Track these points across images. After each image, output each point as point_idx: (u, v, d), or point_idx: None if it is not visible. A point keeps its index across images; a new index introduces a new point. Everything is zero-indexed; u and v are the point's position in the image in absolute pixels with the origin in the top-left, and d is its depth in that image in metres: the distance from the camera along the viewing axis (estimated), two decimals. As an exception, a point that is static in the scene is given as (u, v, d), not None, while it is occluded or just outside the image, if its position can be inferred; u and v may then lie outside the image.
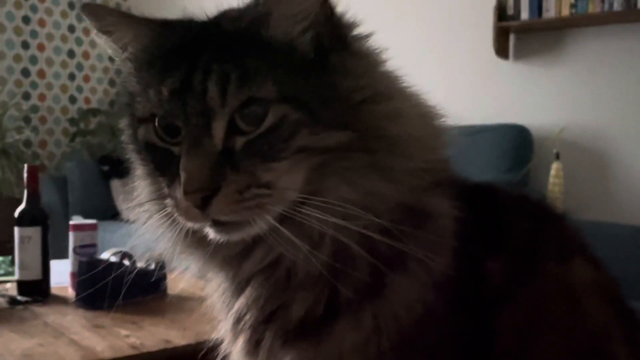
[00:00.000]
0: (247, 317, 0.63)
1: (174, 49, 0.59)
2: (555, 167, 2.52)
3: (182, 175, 0.54)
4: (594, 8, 2.57)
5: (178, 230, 0.60)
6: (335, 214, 0.54)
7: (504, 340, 0.58)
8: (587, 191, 2.66)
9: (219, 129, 0.55)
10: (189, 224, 0.58)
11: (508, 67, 2.92)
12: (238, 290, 0.65)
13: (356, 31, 0.62)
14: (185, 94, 0.55)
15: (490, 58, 2.90)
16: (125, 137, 0.66)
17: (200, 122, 0.55)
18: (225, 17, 0.61)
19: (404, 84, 0.64)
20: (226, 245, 0.60)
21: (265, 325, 0.61)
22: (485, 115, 2.85)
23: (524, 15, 2.75)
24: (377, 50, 0.64)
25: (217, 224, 0.56)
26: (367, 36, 0.63)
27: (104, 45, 0.64)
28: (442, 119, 0.65)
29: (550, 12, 2.68)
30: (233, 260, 0.62)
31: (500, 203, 0.67)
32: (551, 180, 2.51)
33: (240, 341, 0.64)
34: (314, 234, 0.56)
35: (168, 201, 0.58)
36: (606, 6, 2.54)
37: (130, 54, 0.63)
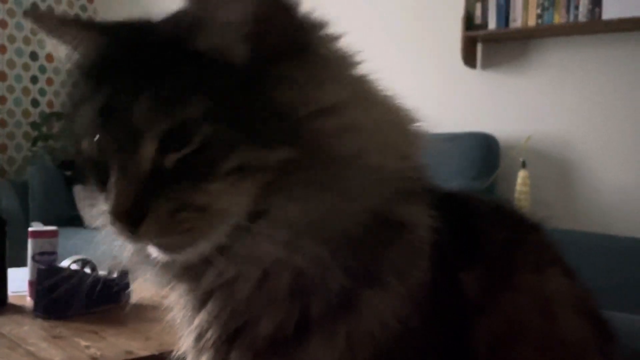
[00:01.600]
0: (209, 334, 0.59)
1: (108, 60, 0.55)
2: (521, 175, 2.54)
3: (110, 197, 0.52)
4: (559, 19, 2.61)
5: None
6: (283, 235, 0.52)
7: (480, 353, 0.57)
8: (553, 199, 2.69)
9: (146, 151, 0.51)
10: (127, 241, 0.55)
11: (476, 76, 2.94)
12: (199, 304, 0.61)
13: (321, 32, 0.57)
14: (111, 114, 0.52)
15: (458, 67, 2.92)
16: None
17: (127, 144, 0.51)
18: (161, 24, 0.56)
19: (374, 89, 0.60)
20: (171, 264, 0.57)
21: (229, 344, 0.58)
22: (452, 123, 2.86)
23: (492, 24, 2.78)
24: (346, 52, 0.59)
25: (156, 244, 0.54)
26: (335, 37, 0.58)
27: (57, 48, 0.60)
28: (416, 124, 0.62)
29: (517, 22, 2.71)
30: (192, 271, 0.58)
31: (476, 212, 0.66)
32: (518, 188, 2.53)
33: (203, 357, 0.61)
34: (264, 255, 0.53)
35: (108, 218, 0.54)
36: (571, 17, 2.58)
37: (74, 61, 0.59)
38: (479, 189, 2.57)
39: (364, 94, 0.59)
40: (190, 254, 0.54)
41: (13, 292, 1.55)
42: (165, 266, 0.58)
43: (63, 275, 1.30)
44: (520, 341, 0.58)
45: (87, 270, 1.41)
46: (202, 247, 0.53)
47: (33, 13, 0.59)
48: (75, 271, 1.34)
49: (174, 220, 0.51)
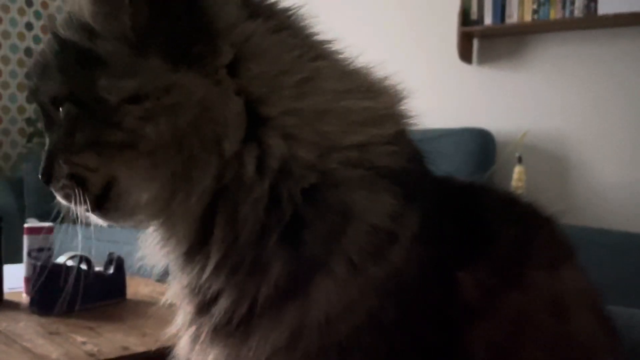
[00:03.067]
0: (188, 308, 0.63)
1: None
2: (517, 170, 2.55)
3: None
4: (555, 14, 2.61)
5: None
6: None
7: (476, 357, 0.55)
8: (549, 195, 2.70)
9: (46, 122, 0.64)
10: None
11: (472, 72, 2.94)
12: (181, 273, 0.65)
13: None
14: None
15: (454, 62, 2.92)
16: None
17: (46, 118, 0.64)
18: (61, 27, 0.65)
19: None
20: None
21: (200, 318, 0.61)
22: (448, 119, 2.86)
23: (487, 20, 2.78)
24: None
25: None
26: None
27: None
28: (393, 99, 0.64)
29: (513, 17, 2.72)
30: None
31: (487, 206, 0.64)
32: (513, 184, 2.54)
33: (186, 334, 0.63)
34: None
35: None
36: (567, 13, 2.59)
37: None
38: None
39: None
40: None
41: (9, 288, 1.55)
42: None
43: (59, 271, 1.29)
44: (528, 342, 0.56)
45: (83, 266, 1.40)
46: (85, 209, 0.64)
47: None
48: (71, 267, 1.34)
49: (59, 186, 0.64)
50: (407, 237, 0.56)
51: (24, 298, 1.52)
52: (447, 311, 0.56)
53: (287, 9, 0.62)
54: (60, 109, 0.60)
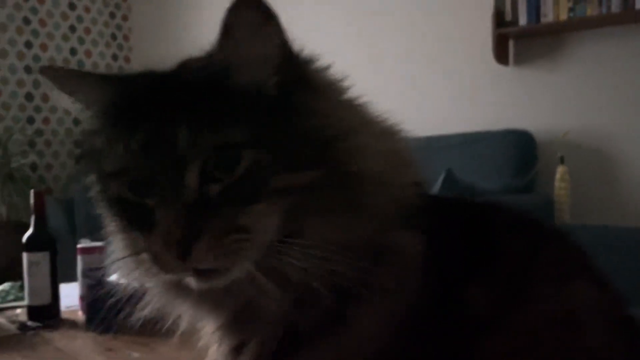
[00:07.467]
0: (223, 344, 0.64)
1: (138, 103, 0.58)
2: (560, 171, 2.51)
3: (161, 227, 0.54)
4: (592, 11, 2.58)
5: (161, 283, 0.61)
6: (317, 256, 0.55)
7: None
8: (594, 194, 2.65)
9: (192, 177, 0.55)
10: (169, 276, 0.58)
11: (509, 73, 2.92)
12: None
13: (314, 65, 0.62)
14: (156, 146, 0.55)
15: (491, 65, 2.90)
16: (94, 193, 0.66)
17: (174, 173, 0.55)
18: (186, 68, 0.60)
19: (367, 112, 0.64)
20: (209, 292, 0.60)
21: (235, 355, 0.62)
22: (487, 122, 2.85)
23: (522, 20, 2.76)
24: (337, 80, 0.63)
25: (197, 273, 0.56)
26: (325, 68, 0.63)
27: (68, 104, 0.63)
28: (408, 150, 0.65)
29: (548, 16, 2.69)
30: (216, 299, 0.62)
31: (494, 223, 0.65)
32: (557, 184, 2.50)
33: None
34: (293, 278, 0.56)
35: (145, 255, 0.58)
36: (604, 9, 2.55)
37: (94, 111, 0.63)
38: (518, 186, 2.55)
39: (367, 120, 0.63)
40: (227, 279, 0.57)
41: (66, 307, 1.61)
42: (201, 297, 0.61)
43: (113, 289, 1.34)
44: (539, 356, 0.56)
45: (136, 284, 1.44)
46: (240, 270, 0.56)
47: (48, 69, 0.62)
48: (124, 286, 1.38)
49: (223, 243, 0.54)
50: (420, 260, 0.59)
51: (80, 316, 1.57)
52: (457, 329, 0.57)
53: None
54: None
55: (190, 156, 0.54)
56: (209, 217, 0.54)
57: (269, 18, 0.55)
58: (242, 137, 0.54)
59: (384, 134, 0.64)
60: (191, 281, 0.57)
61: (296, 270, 0.55)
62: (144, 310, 0.70)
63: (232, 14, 0.54)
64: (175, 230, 0.53)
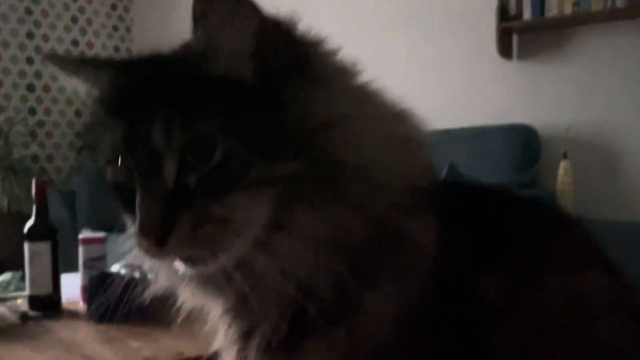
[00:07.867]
0: (231, 332, 0.63)
1: (125, 92, 0.59)
2: (563, 166, 2.51)
3: (137, 216, 0.55)
4: (596, 5, 2.57)
5: (166, 265, 0.61)
6: (304, 249, 0.54)
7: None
8: (597, 189, 2.65)
9: (168, 169, 0.55)
10: (155, 260, 0.59)
11: (512, 68, 2.91)
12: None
13: (321, 49, 0.60)
14: (134, 139, 0.56)
15: (494, 59, 2.90)
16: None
17: (150, 164, 0.55)
18: (171, 55, 0.60)
19: (378, 99, 0.62)
20: (208, 276, 0.59)
21: (245, 342, 0.62)
22: (491, 116, 2.84)
23: (527, 14, 2.75)
24: (346, 65, 0.62)
25: (182, 259, 0.57)
26: (333, 52, 0.61)
27: (76, 86, 0.64)
28: (422, 132, 0.64)
29: (552, 11, 2.68)
30: (216, 285, 0.61)
31: (507, 211, 0.64)
32: (560, 179, 2.50)
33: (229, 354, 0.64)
34: (284, 268, 0.56)
35: (135, 239, 0.58)
36: (609, 3, 2.54)
37: (95, 96, 0.63)
38: (521, 181, 2.54)
39: (368, 106, 0.61)
40: (212, 267, 0.56)
41: (67, 298, 1.61)
42: (199, 281, 0.61)
43: (114, 280, 1.34)
44: (551, 344, 0.56)
45: (137, 275, 1.44)
46: (224, 259, 0.55)
47: (52, 56, 0.64)
48: (125, 276, 1.38)
49: (198, 233, 0.54)
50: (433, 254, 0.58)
51: (81, 306, 1.58)
52: (469, 318, 0.57)
53: None
54: None
55: (165, 150, 0.54)
56: (185, 207, 0.54)
57: (242, 4, 0.54)
58: (216, 128, 0.54)
59: (389, 119, 0.62)
60: (180, 265, 0.58)
61: (288, 262, 0.55)
62: (153, 291, 0.70)
63: (203, 1, 0.54)
64: (150, 221, 0.53)
